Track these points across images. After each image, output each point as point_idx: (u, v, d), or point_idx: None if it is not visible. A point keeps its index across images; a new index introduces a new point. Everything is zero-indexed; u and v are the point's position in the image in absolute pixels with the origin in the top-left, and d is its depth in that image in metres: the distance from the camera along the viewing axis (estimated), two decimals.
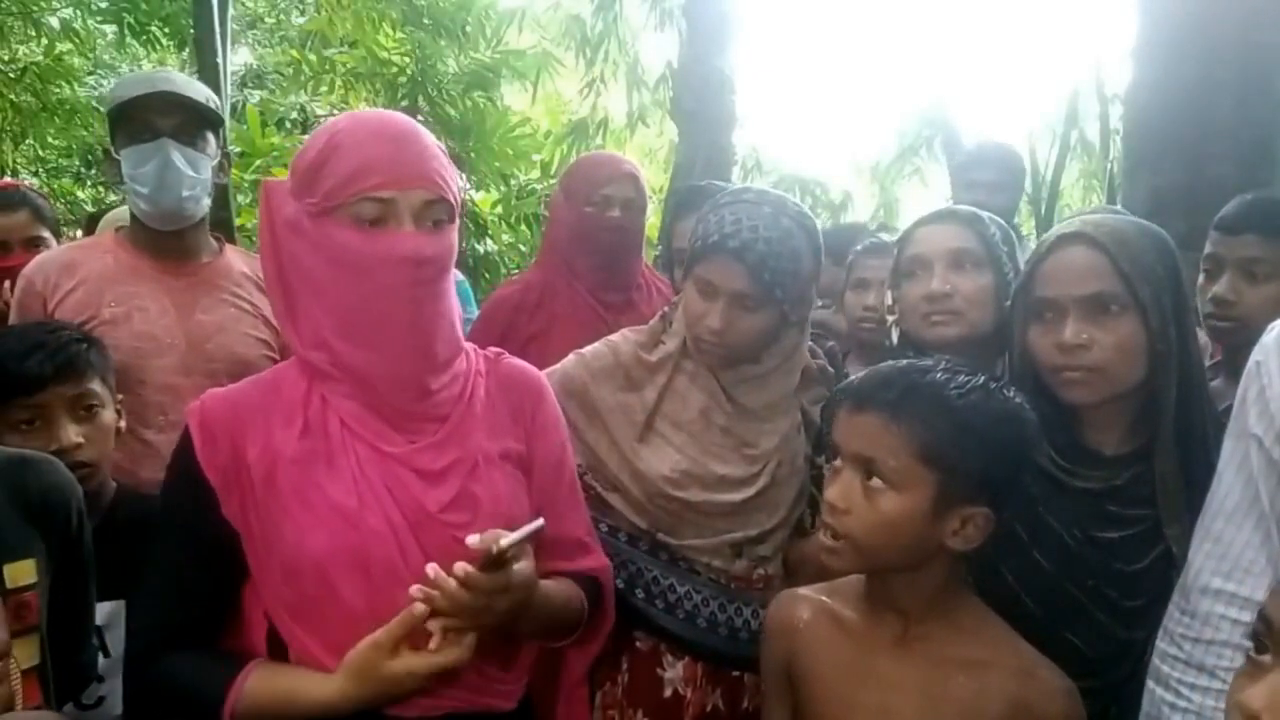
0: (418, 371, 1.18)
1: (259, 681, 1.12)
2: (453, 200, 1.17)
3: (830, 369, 1.84)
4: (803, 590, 1.34)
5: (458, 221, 1.20)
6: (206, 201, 1.98)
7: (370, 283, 1.12)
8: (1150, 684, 1.20)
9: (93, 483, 1.52)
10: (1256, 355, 1.13)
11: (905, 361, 1.23)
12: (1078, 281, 1.31)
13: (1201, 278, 1.79)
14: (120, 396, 1.67)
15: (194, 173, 1.91)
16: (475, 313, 2.68)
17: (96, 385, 1.58)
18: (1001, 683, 1.15)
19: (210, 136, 1.97)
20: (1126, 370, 1.30)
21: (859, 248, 2.43)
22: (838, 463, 1.19)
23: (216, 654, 1.16)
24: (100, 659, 1.49)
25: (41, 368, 1.51)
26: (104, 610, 1.49)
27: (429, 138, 1.18)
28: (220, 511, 1.14)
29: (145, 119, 1.89)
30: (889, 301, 1.75)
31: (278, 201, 1.17)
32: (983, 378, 1.16)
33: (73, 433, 1.52)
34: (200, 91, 1.96)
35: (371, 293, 1.13)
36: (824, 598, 1.29)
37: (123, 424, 1.65)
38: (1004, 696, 1.15)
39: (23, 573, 1.19)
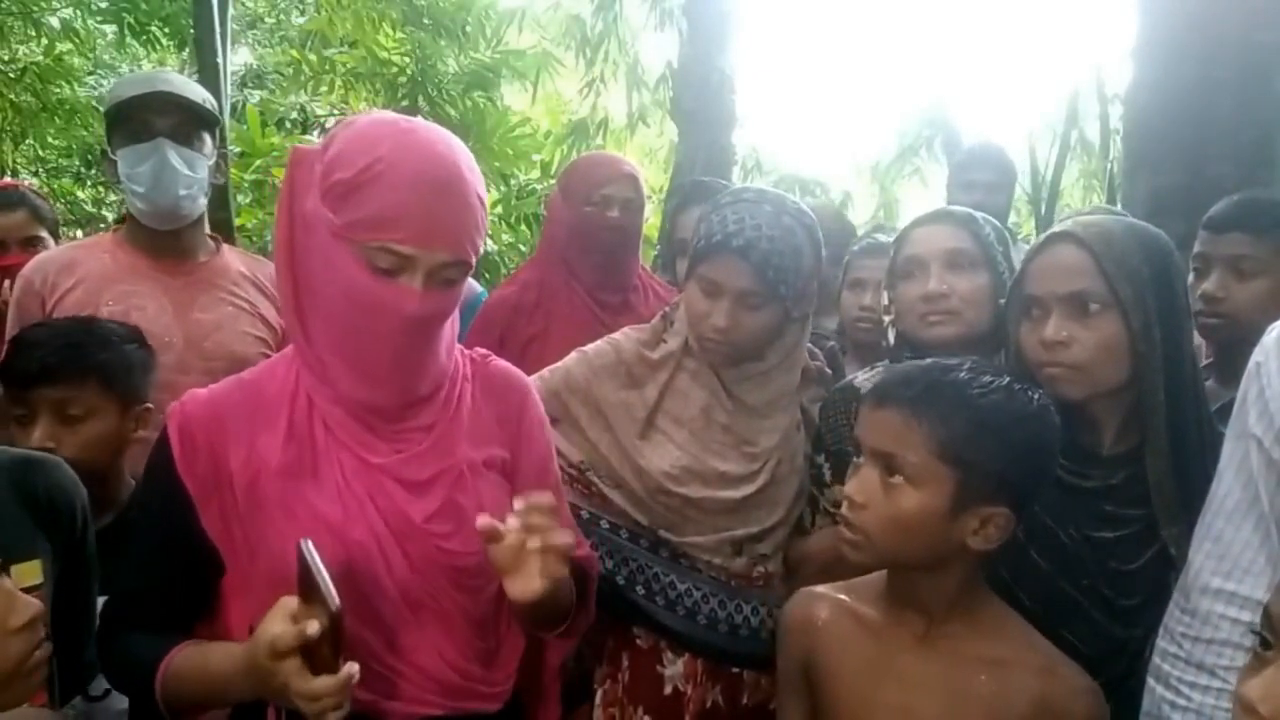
0: (395, 405, 1.17)
1: (188, 653, 1.10)
2: (473, 259, 1.12)
3: (829, 370, 1.84)
4: (820, 589, 1.32)
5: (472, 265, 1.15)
6: (203, 201, 1.99)
7: (365, 321, 1.10)
8: (1151, 682, 1.20)
9: None
10: (1257, 356, 1.13)
11: (930, 360, 1.22)
12: (1062, 279, 1.32)
13: (1191, 276, 1.80)
14: (148, 405, 1.63)
15: (190, 172, 1.92)
16: None
17: (91, 393, 1.53)
18: (1024, 681, 1.15)
19: (206, 136, 1.98)
20: (1107, 369, 1.30)
21: (855, 248, 2.43)
22: (860, 459, 1.19)
23: (174, 636, 1.14)
24: None
25: (28, 364, 1.49)
26: None
27: (471, 185, 1.10)
28: (199, 523, 1.12)
29: (142, 119, 1.90)
30: (885, 302, 1.75)
31: (302, 185, 1.10)
32: (1007, 378, 1.16)
33: (39, 436, 1.49)
34: (197, 92, 1.97)
35: (365, 330, 1.11)
36: (842, 596, 1.28)
37: (141, 433, 1.60)
38: (1027, 695, 1.14)
39: (29, 573, 1.19)
